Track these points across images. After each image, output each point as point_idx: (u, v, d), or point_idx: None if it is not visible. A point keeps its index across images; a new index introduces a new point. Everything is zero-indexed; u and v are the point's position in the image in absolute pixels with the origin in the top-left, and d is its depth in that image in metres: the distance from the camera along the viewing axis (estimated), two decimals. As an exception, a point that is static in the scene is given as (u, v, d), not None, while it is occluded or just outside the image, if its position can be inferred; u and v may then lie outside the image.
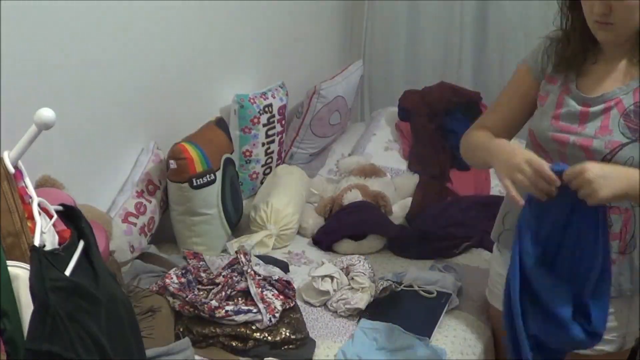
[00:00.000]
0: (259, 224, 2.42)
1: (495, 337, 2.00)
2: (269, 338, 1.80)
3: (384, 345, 1.83)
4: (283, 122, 2.81)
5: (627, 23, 1.48)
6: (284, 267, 2.23)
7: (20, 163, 1.18)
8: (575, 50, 1.59)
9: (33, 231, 1.15)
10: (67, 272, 1.14)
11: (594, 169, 1.39)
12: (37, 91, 1.89)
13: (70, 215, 1.29)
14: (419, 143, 3.00)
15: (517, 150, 1.50)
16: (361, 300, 1.98)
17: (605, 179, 1.39)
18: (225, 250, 2.35)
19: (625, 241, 1.60)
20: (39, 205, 1.18)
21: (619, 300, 1.63)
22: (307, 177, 2.82)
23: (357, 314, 1.98)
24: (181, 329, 1.83)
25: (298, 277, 2.19)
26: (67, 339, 1.08)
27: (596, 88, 1.58)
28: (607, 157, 1.51)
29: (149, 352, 1.54)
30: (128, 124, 2.29)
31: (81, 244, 1.25)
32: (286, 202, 2.47)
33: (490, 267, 1.94)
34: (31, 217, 1.17)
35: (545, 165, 1.42)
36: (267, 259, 2.24)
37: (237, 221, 2.48)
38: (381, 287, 2.00)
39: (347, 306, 1.98)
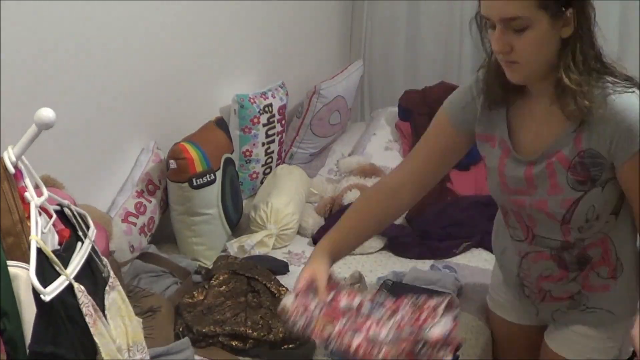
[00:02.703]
0: (259, 223, 2.42)
1: (493, 338, 2.00)
2: (269, 337, 1.80)
3: None
4: (283, 122, 2.80)
5: (532, 59, 1.32)
6: (284, 267, 2.23)
7: (20, 163, 1.18)
8: (501, 84, 1.44)
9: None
10: (71, 271, 1.15)
11: None
12: (37, 91, 1.89)
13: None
14: (419, 143, 3.00)
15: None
16: None
17: None
18: (225, 250, 2.35)
19: (612, 266, 1.53)
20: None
21: (615, 325, 1.58)
22: (307, 177, 2.82)
23: None
24: (181, 329, 1.83)
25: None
26: (68, 340, 1.09)
27: (534, 144, 1.45)
28: (567, 217, 1.43)
29: (149, 352, 1.54)
30: (128, 124, 2.29)
31: (87, 242, 1.25)
32: (286, 202, 2.47)
33: (492, 274, 1.93)
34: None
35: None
36: (267, 259, 2.24)
37: (237, 221, 2.48)
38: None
39: None
